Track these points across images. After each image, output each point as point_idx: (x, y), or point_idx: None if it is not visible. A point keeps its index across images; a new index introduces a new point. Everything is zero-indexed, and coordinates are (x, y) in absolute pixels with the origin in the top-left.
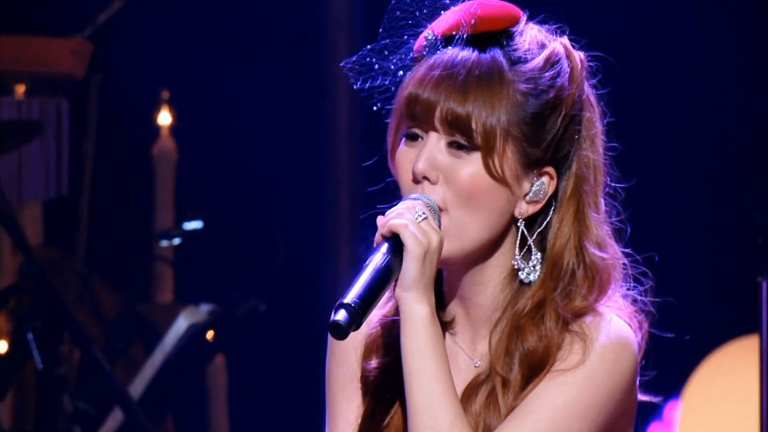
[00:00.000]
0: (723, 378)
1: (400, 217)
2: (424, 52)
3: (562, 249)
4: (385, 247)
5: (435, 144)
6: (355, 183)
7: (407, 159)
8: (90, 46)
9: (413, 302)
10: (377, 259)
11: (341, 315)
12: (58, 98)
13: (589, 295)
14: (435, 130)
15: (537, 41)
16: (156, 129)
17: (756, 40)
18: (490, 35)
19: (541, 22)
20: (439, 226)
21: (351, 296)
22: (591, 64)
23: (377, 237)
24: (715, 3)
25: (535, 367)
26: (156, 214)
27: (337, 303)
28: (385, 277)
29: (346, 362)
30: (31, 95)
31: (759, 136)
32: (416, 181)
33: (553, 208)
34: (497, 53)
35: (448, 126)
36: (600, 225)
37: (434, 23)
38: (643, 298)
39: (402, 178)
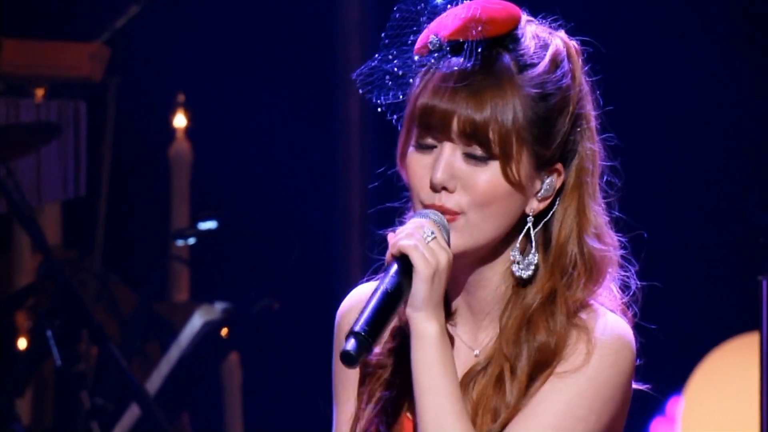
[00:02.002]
0: (725, 374)
1: (410, 238)
2: (431, 59)
3: (566, 240)
4: (394, 268)
5: (451, 153)
6: (366, 184)
7: (420, 165)
8: (107, 51)
9: (423, 321)
10: (387, 281)
11: (350, 344)
12: (76, 101)
13: (587, 286)
14: (450, 140)
15: (540, 41)
16: (172, 131)
17: (760, 39)
18: (495, 39)
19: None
20: (448, 243)
21: (360, 323)
22: (584, 48)
23: (387, 257)
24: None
25: (542, 364)
26: (172, 214)
27: (348, 331)
28: (395, 299)
29: None
30: (50, 98)
31: (762, 136)
32: (434, 190)
33: (557, 201)
34: (506, 59)
35: (465, 137)
36: (598, 214)
37: (436, 24)
38: (636, 283)
39: (414, 184)
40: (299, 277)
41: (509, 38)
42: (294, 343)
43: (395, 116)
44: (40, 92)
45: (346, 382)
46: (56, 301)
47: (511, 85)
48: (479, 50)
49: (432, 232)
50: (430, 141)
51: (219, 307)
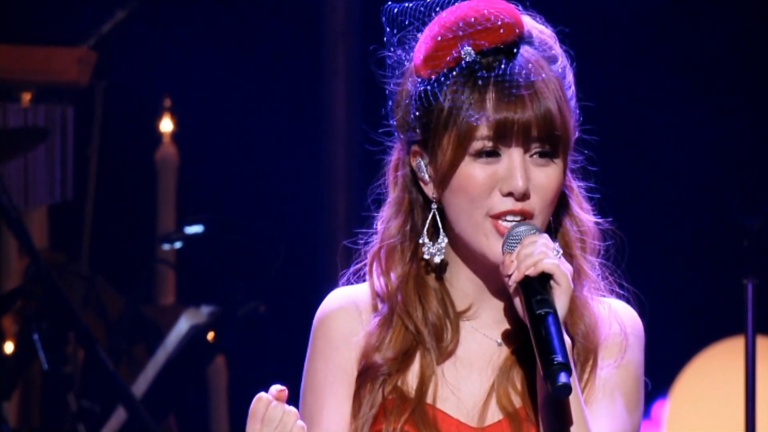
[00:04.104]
0: (709, 377)
1: (547, 256)
2: (476, 70)
3: (565, 221)
4: (543, 294)
5: (522, 159)
6: (351, 188)
7: (485, 175)
8: (94, 55)
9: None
10: (542, 305)
11: (564, 377)
12: (63, 105)
13: (587, 259)
14: (524, 146)
15: (543, 33)
16: (158, 135)
17: (742, 45)
18: (522, 38)
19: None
20: None
21: (559, 354)
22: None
23: (518, 276)
24: (705, 5)
25: (587, 350)
26: (158, 218)
27: (554, 365)
28: (557, 316)
29: (339, 359)
30: (37, 102)
31: (746, 141)
32: (518, 199)
33: None
34: (540, 58)
35: (541, 141)
36: (580, 190)
37: (452, 35)
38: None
39: (480, 194)
40: (285, 280)
41: (528, 35)
42: (280, 346)
43: (422, 132)
44: (27, 96)
45: (338, 383)
46: (43, 304)
47: (556, 80)
48: (522, 52)
49: (558, 248)
50: (496, 150)
51: (205, 310)
